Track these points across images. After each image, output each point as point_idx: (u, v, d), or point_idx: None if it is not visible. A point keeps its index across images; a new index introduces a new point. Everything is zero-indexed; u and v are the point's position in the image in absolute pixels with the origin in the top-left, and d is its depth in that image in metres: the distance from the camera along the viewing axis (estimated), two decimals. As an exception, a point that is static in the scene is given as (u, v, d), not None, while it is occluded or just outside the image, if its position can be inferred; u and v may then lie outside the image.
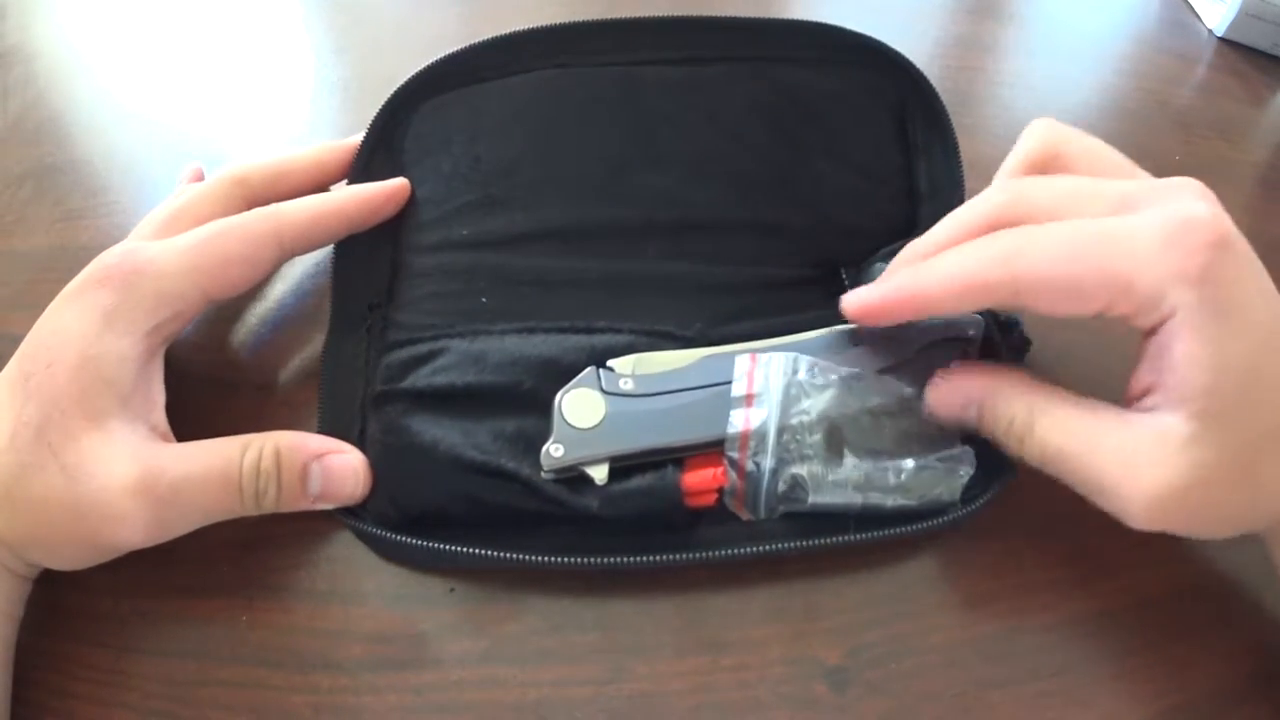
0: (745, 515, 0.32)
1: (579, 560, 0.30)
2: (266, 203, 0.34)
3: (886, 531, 0.31)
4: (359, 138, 0.38)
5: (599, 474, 0.30)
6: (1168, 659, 0.30)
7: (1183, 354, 0.25)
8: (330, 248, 0.37)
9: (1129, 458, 0.26)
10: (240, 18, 0.53)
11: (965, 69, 0.51)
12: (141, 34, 0.53)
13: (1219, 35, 0.53)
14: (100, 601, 0.31)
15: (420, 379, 0.33)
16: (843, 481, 0.31)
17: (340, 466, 0.31)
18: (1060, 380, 0.29)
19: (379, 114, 0.38)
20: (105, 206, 0.43)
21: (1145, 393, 0.27)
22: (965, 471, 0.31)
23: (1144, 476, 0.25)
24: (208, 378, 0.37)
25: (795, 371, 0.32)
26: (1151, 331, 0.26)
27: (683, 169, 0.37)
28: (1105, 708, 0.29)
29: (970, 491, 0.31)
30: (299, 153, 0.38)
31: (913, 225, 0.38)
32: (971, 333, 0.33)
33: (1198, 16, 0.55)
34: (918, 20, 0.55)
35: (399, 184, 0.37)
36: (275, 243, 0.33)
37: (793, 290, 0.37)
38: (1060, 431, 0.27)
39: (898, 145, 0.39)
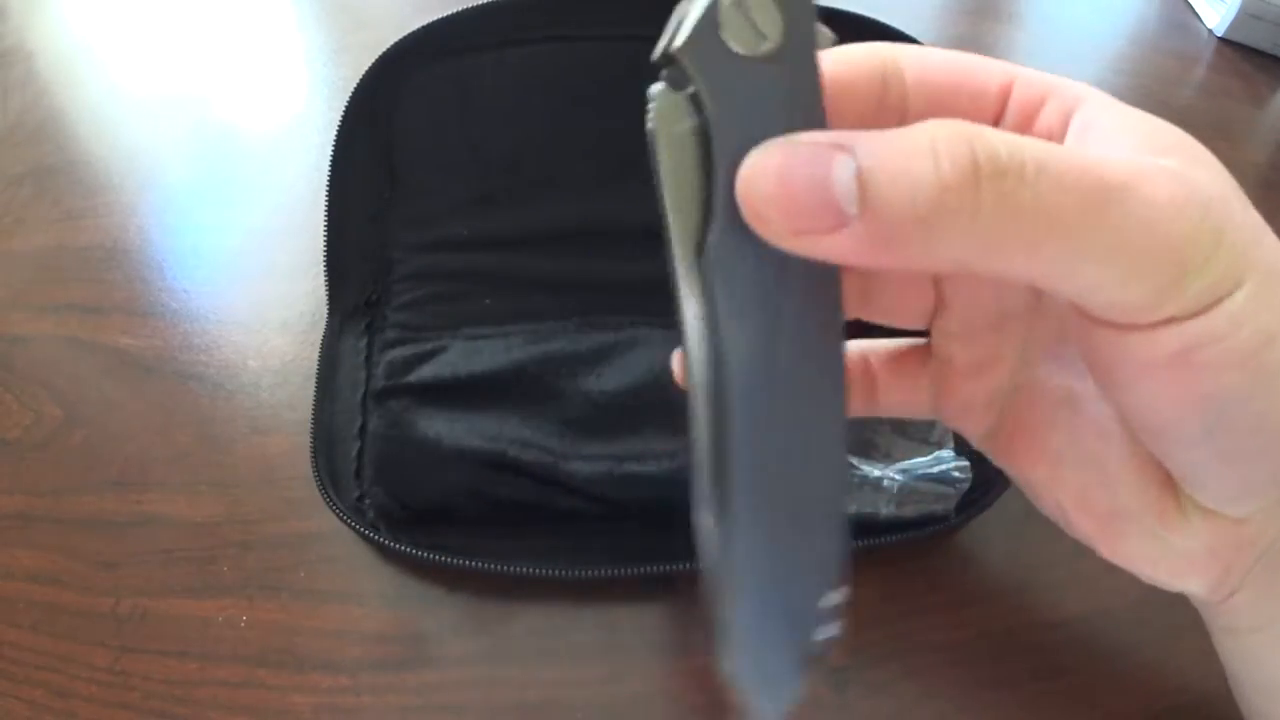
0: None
1: (580, 573, 0.30)
2: None
3: (881, 540, 0.31)
4: None
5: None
6: (1168, 659, 0.30)
7: (1116, 122, 0.20)
8: (323, 242, 0.37)
9: (1147, 167, 0.17)
10: (240, 18, 0.53)
11: (965, 69, 0.51)
12: (141, 34, 0.53)
13: (1219, 35, 0.53)
14: (100, 601, 0.31)
15: (424, 373, 0.33)
16: None
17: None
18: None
19: (361, 84, 0.35)
20: (105, 206, 0.43)
21: None
22: (959, 486, 0.31)
23: (1177, 182, 0.17)
24: (205, 378, 0.37)
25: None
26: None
27: None
28: (1105, 708, 0.29)
29: (966, 496, 0.31)
30: None
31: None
32: None
33: (1198, 16, 0.55)
34: (918, 20, 0.55)
35: None
36: None
37: None
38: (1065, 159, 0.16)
39: None
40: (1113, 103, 0.20)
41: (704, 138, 0.16)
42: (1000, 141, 0.16)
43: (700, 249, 0.17)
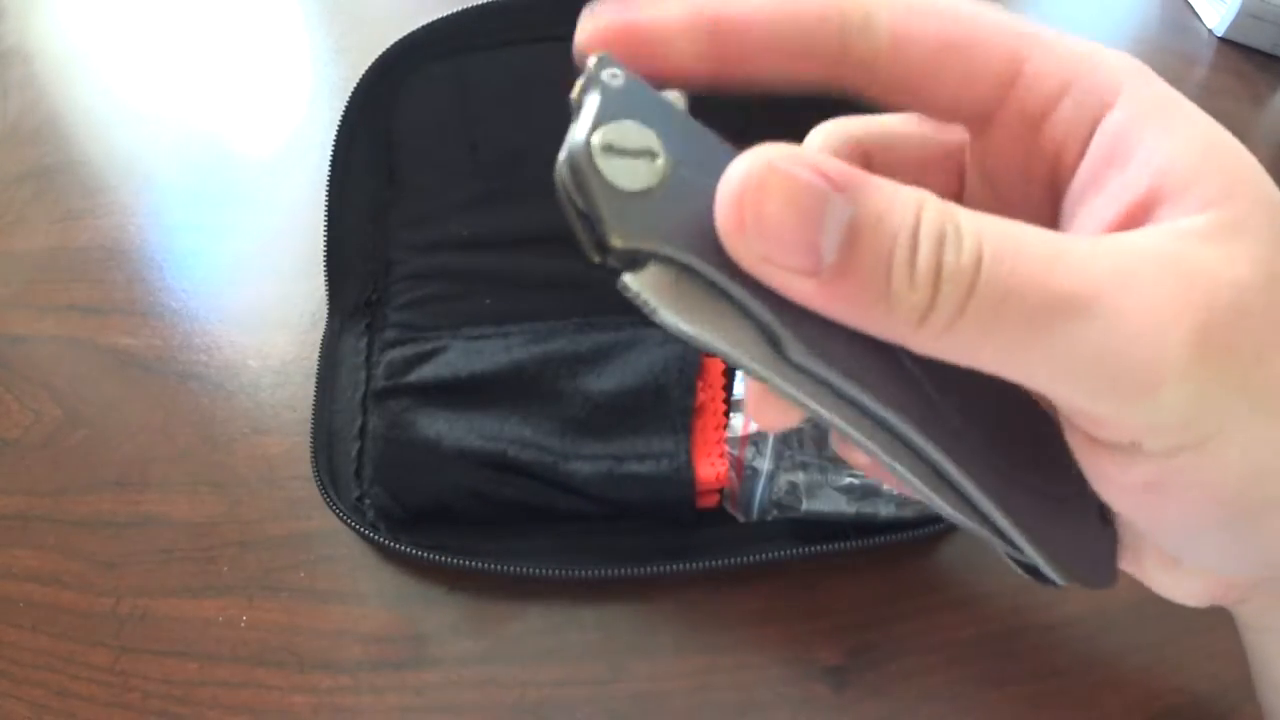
0: (740, 517, 0.32)
1: (579, 573, 0.30)
2: None
3: (881, 540, 0.31)
4: None
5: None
6: (1168, 659, 0.30)
7: (1155, 142, 0.16)
8: (323, 242, 0.37)
9: (1135, 270, 0.15)
10: (240, 18, 0.53)
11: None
12: (141, 35, 0.53)
13: (1219, 35, 0.53)
14: (100, 601, 0.31)
15: (424, 373, 0.33)
16: (837, 491, 0.31)
17: None
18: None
19: (361, 84, 0.36)
20: (105, 206, 0.43)
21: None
22: None
23: (1170, 292, 0.15)
24: (205, 378, 0.37)
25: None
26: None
27: None
28: (1104, 708, 0.29)
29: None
30: None
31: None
32: None
33: (1198, 16, 0.55)
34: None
35: None
36: None
37: None
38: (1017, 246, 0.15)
39: None
40: (1161, 105, 0.17)
41: (699, 276, 0.15)
42: (968, 230, 0.14)
43: (784, 357, 0.15)
